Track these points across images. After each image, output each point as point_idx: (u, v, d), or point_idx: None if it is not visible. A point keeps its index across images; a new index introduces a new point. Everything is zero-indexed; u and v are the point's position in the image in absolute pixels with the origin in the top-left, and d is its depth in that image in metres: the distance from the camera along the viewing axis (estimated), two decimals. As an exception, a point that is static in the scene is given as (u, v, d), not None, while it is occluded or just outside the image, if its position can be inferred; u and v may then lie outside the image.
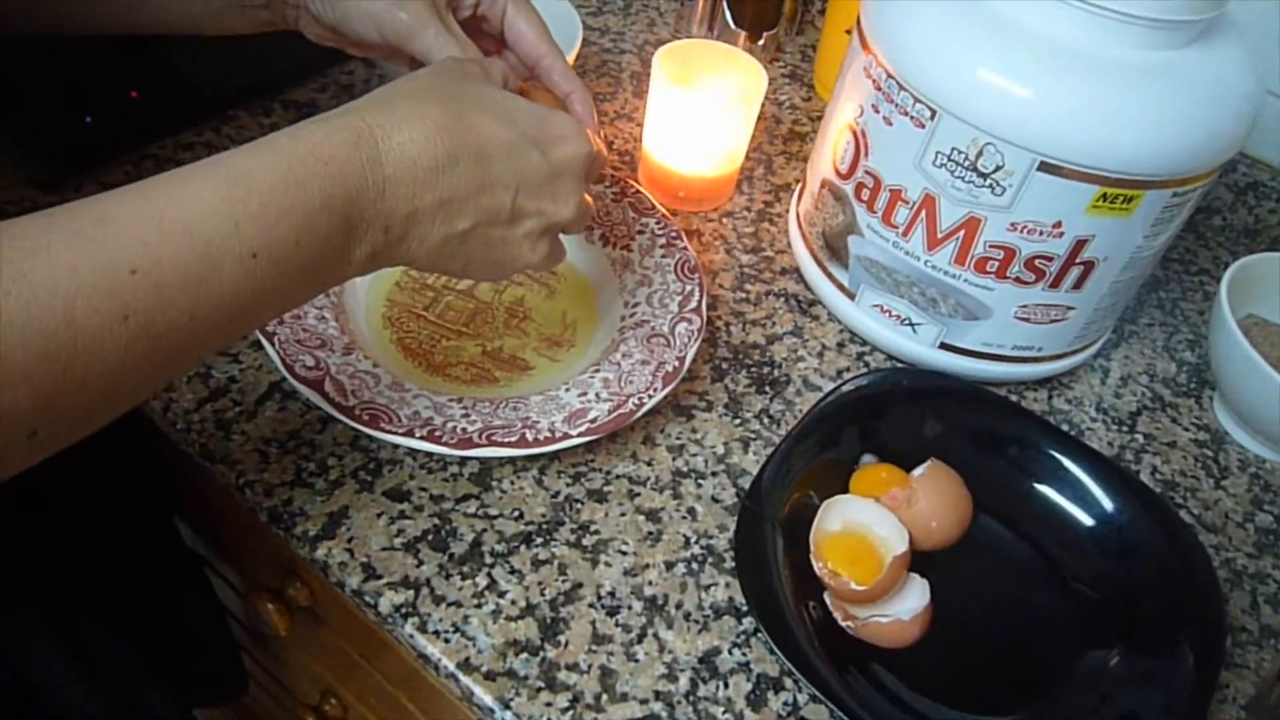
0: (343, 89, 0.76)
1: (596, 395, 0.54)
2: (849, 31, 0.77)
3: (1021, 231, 0.54)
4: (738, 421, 0.60)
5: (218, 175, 0.36)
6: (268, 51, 0.74)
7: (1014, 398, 0.64)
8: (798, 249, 0.68)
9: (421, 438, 0.50)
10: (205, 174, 0.36)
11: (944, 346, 0.62)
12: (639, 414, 0.53)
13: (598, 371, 0.56)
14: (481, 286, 0.62)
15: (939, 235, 0.56)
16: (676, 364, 0.56)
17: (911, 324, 0.61)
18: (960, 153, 0.53)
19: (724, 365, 0.62)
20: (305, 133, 0.39)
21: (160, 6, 0.51)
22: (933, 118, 0.53)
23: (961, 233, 0.56)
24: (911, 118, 0.54)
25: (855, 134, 0.59)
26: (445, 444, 0.50)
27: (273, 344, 0.52)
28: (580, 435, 0.52)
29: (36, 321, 0.30)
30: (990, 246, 0.56)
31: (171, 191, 0.35)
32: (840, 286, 0.64)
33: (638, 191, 0.66)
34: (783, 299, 0.67)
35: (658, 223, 0.64)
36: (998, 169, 0.52)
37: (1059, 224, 0.54)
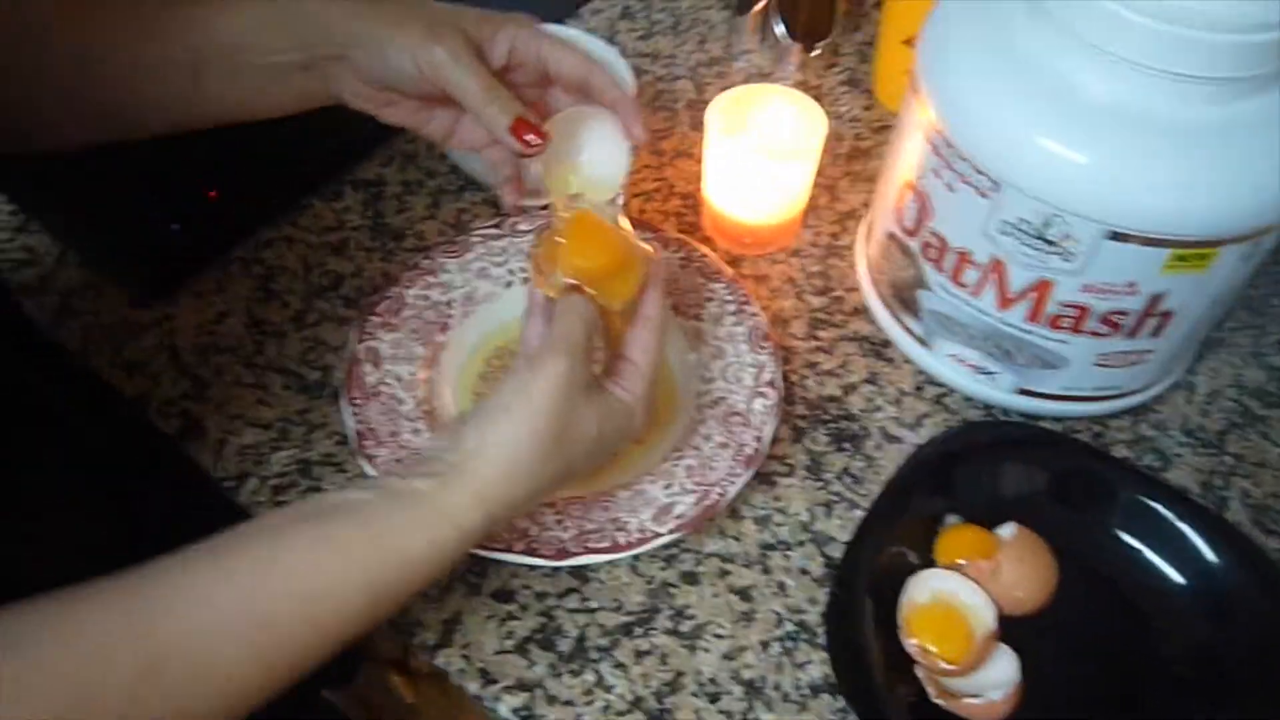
0: (407, 159, 0.77)
1: (681, 486, 0.56)
2: (908, 43, 0.76)
3: (1095, 292, 0.54)
4: (819, 484, 0.61)
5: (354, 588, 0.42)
6: (331, 130, 0.76)
7: (1097, 428, 0.64)
8: (867, 292, 0.68)
9: (521, 551, 0.53)
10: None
11: (1022, 392, 0.62)
12: (723, 504, 0.55)
13: (680, 459, 0.58)
14: (561, 369, 0.64)
15: (1010, 296, 0.56)
16: (756, 445, 0.58)
17: (988, 373, 0.62)
18: (1026, 222, 0.52)
19: (802, 424, 0.64)
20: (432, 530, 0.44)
21: (205, 98, 0.52)
22: (995, 188, 0.52)
23: (1033, 294, 0.55)
24: (973, 187, 0.54)
25: (918, 194, 0.58)
26: (544, 555, 0.53)
27: (374, 469, 0.56)
28: (669, 533, 0.54)
29: None
30: (1063, 305, 0.55)
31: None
32: (913, 335, 0.64)
33: (704, 255, 0.67)
34: (856, 343, 0.68)
35: (726, 288, 0.65)
36: (1066, 238, 0.52)
37: (1133, 284, 0.53)
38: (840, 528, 0.59)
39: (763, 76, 0.85)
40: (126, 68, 0.50)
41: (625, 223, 0.52)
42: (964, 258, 0.57)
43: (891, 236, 0.62)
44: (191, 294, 0.69)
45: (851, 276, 0.72)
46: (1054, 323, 0.56)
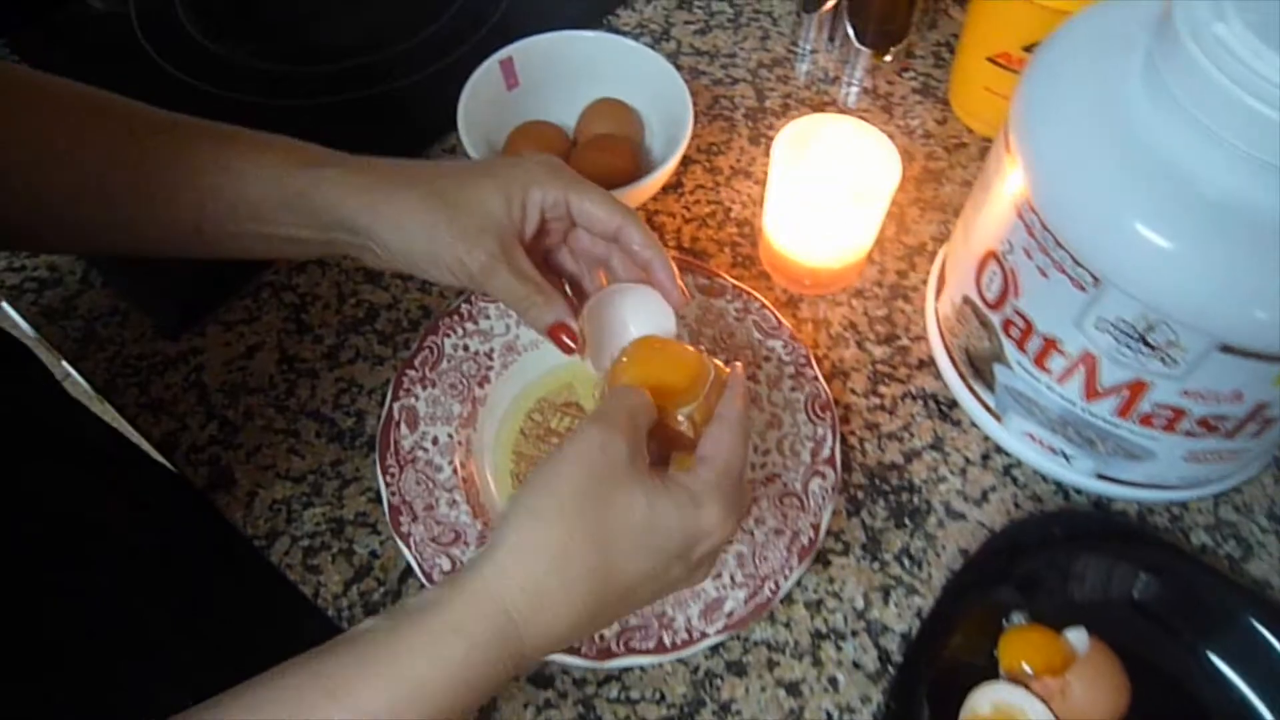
0: (446, 172, 0.73)
1: (731, 579, 0.53)
2: (995, 61, 0.69)
3: (1195, 398, 0.49)
4: (876, 565, 0.58)
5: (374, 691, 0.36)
6: (369, 142, 0.72)
7: (1176, 509, 0.60)
8: (936, 348, 0.63)
9: (561, 650, 0.50)
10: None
11: (1100, 477, 0.58)
12: (775, 601, 0.52)
13: (731, 545, 0.55)
14: (606, 427, 0.61)
15: (1099, 390, 0.52)
16: (812, 534, 0.54)
17: (1065, 455, 0.57)
18: (1127, 324, 0.47)
19: (860, 495, 0.60)
20: (447, 644, 0.37)
21: (208, 246, 0.50)
22: (1095, 284, 0.47)
23: (1126, 391, 0.51)
24: (1070, 278, 0.48)
25: (1003, 267, 0.53)
26: (585, 656, 0.50)
27: (409, 546, 0.53)
28: (717, 634, 0.51)
29: None
30: (1158, 406, 0.51)
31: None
32: (984, 404, 0.60)
33: (762, 307, 0.62)
34: (921, 402, 0.64)
35: (784, 346, 0.61)
36: (1170, 344, 0.47)
37: (1239, 393, 0.48)
38: (897, 616, 0.56)
39: (828, 82, 0.79)
40: (131, 217, 0.48)
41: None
42: (1051, 344, 0.52)
43: (968, 302, 0.58)
44: (220, 324, 0.66)
45: (919, 323, 0.67)
46: (1145, 420, 0.52)
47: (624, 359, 0.46)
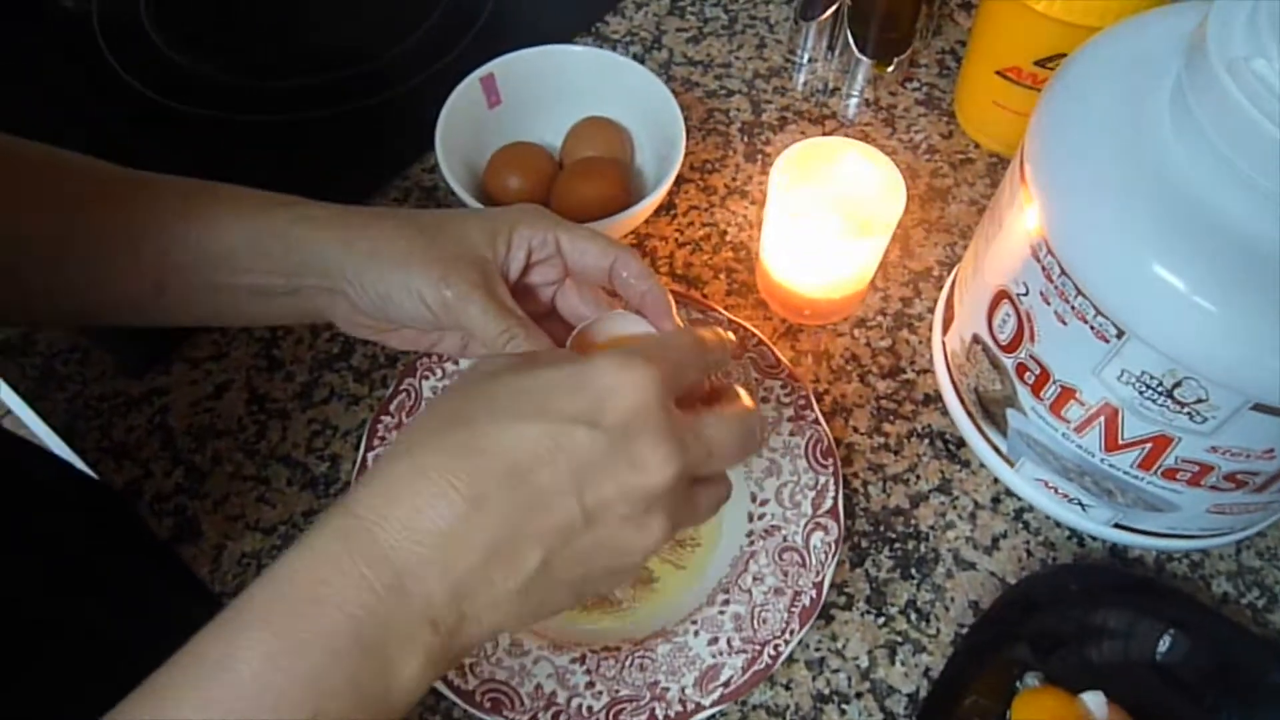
0: (426, 193, 0.69)
1: (728, 643, 0.50)
2: (1002, 74, 0.66)
3: (1224, 454, 0.46)
4: (881, 620, 0.55)
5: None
6: (335, 175, 0.68)
7: (1196, 555, 0.57)
8: (943, 383, 0.60)
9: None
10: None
11: (1118, 526, 0.54)
12: (775, 667, 0.49)
13: (728, 603, 0.51)
14: (594, 473, 0.57)
15: (1120, 442, 0.48)
16: (814, 594, 0.51)
17: (1081, 504, 0.54)
18: (1153, 378, 0.44)
19: (864, 543, 0.57)
20: (290, 565, 0.32)
21: (178, 302, 0.46)
22: (1119, 336, 0.44)
23: (1149, 444, 0.47)
24: (1091, 327, 0.45)
25: (1017, 310, 0.50)
26: (572, 730, 0.47)
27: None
28: (714, 704, 0.48)
29: None
30: (1184, 461, 0.47)
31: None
32: (995, 448, 0.56)
33: (760, 344, 0.59)
34: (927, 440, 0.60)
35: (784, 387, 0.57)
36: (1199, 402, 0.43)
37: (1271, 451, 0.45)
38: (903, 676, 0.53)
39: (828, 94, 0.75)
40: (88, 279, 0.44)
41: None
42: (1069, 393, 0.49)
43: (979, 341, 0.54)
44: (186, 361, 0.62)
45: (924, 355, 0.63)
46: (1169, 474, 0.49)
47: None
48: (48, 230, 0.43)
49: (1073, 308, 0.45)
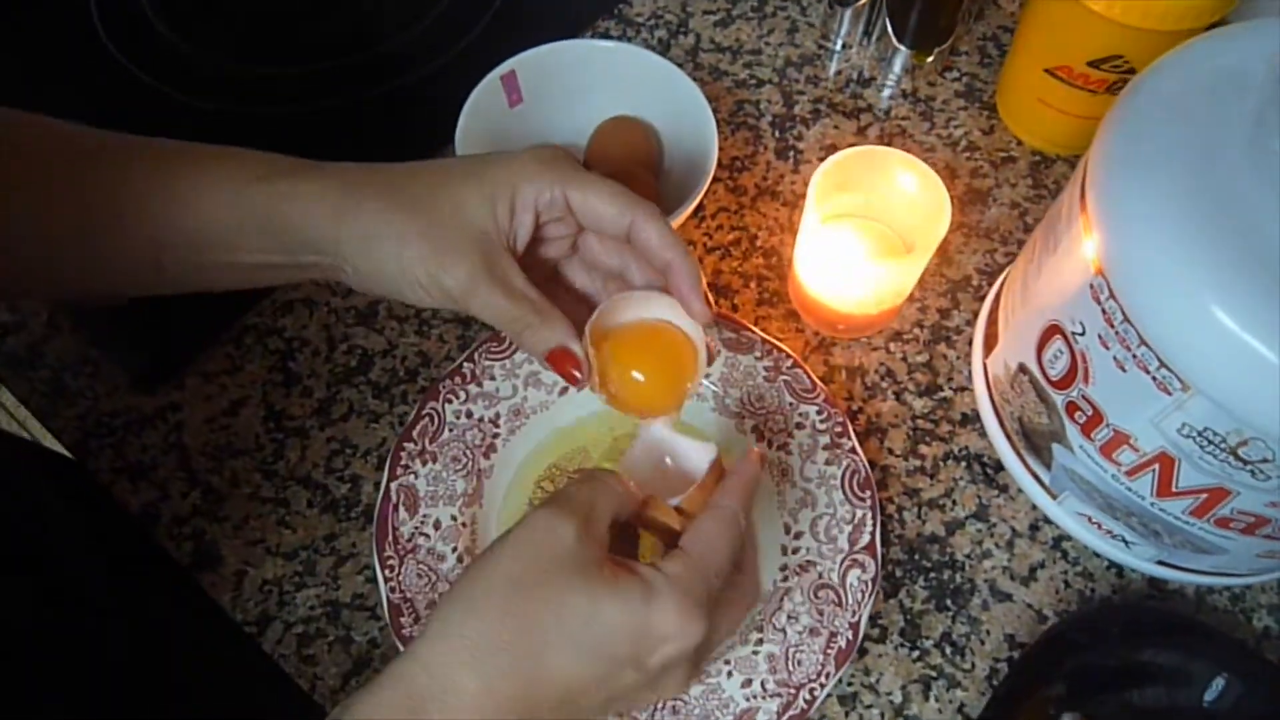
0: (443, 193, 0.66)
1: (762, 686, 0.49)
2: (1052, 72, 0.62)
3: (1285, 509, 0.44)
4: (916, 654, 0.53)
5: None
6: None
7: (1237, 588, 0.56)
8: (982, 404, 0.58)
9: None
10: None
11: (1162, 563, 0.53)
12: (811, 712, 0.48)
13: (761, 643, 0.50)
14: (623, 499, 0.56)
15: (1174, 490, 0.46)
16: (850, 635, 0.50)
17: (1125, 541, 0.53)
18: (1216, 435, 0.42)
19: (898, 572, 0.55)
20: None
21: (180, 277, 0.44)
22: (1184, 390, 0.42)
23: (1204, 495, 0.46)
24: (1153, 379, 0.43)
25: (1071, 349, 0.47)
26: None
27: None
28: (748, 752, 0.47)
29: None
30: (1240, 512, 0.45)
31: None
32: (1037, 479, 0.55)
33: (795, 365, 0.56)
34: (964, 463, 0.59)
35: (819, 412, 0.55)
36: (1265, 461, 0.42)
37: (1338, 509, 0.43)
38: (937, 713, 0.52)
39: (863, 84, 0.72)
40: (81, 257, 0.42)
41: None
42: (1123, 438, 0.47)
43: (1026, 371, 0.52)
44: (200, 375, 0.60)
45: (962, 371, 0.61)
46: (1222, 523, 0.47)
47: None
48: (25, 208, 0.41)
49: (1134, 356, 0.43)
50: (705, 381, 0.57)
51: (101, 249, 0.42)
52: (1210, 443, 0.43)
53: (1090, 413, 0.48)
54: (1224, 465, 0.43)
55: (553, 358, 0.41)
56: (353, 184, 0.42)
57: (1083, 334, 0.46)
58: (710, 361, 0.44)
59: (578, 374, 0.42)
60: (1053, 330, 0.48)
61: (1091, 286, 0.44)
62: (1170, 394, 0.42)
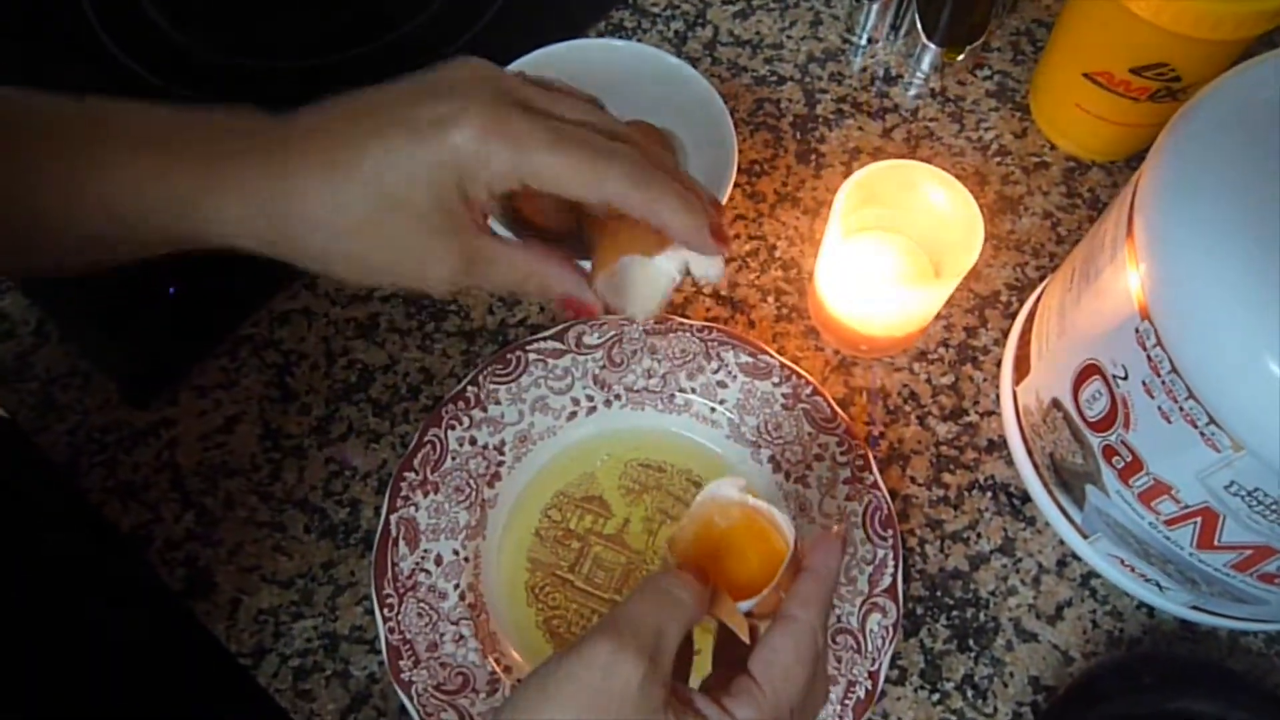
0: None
1: (777, 737, 0.47)
2: (1091, 78, 0.59)
3: (1337, 572, 0.42)
4: (936, 697, 0.51)
5: None
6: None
7: (1274, 629, 0.53)
8: (1010, 432, 0.55)
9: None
10: None
11: (1197, 609, 0.50)
12: (827, 766, 0.46)
13: None
14: (631, 531, 0.53)
15: (1217, 544, 0.44)
16: (869, 685, 0.48)
17: (1159, 585, 0.50)
18: (1267, 495, 0.39)
19: (919, 609, 0.53)
20: None
21: (115, 258, 0.39)
22: (1235, 449, 0.39)
23: (1249, 551, 0.43)
24: (1201, 434, 0.40)
25: (1111, 392, 0.44)
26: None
27: (411, 697, 0.47)
28: (761, 808, 0.45)
29: None
30: (1287, 570, 0.43)
31: None
32: (1068, 517, 0.52)
33: (815, 393, 0.54)
34: (989, 494, 0.56)
35: (840, 444, 0.53)
36: (1321, 526, 0.39)
37: (1395, 574, 0.41)
38: (958, 760, 0.50)
39: (889, 81, 0.68)
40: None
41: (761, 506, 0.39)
42: (1164, 488, 0.44)
43: (1059, 407, 0.49)
44: (194, 389, 0.58)
45: (989, 394, 0.58)
46: (1267, 579, 0.44)
47: (685, 530, 0.38)
48: None
49: (1181, 409, 0.40)
50: (720, 407, 0.54)
51: (16, 229, 0.37)
52: (1260, 503, 0.40)
53: (1129, 459, 0.45)
54: (1274, 526, 0.40)
55: (564, 305, 0.39)
56: (278, 166, 0.36)
57: (1125, 378, 0.43)
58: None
59: (594, 312, 0.39)
60: (1091, 369, 0.46)
61: (1137, 331, 0.41)
62: (1219, 451, 0.40)
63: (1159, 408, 0.42)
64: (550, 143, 0.35)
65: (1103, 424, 0.46)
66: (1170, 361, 0.40)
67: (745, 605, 0.37)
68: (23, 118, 0.38)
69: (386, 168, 0.35)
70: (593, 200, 0.35)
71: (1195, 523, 0.44)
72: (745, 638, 0.36)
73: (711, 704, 0.33)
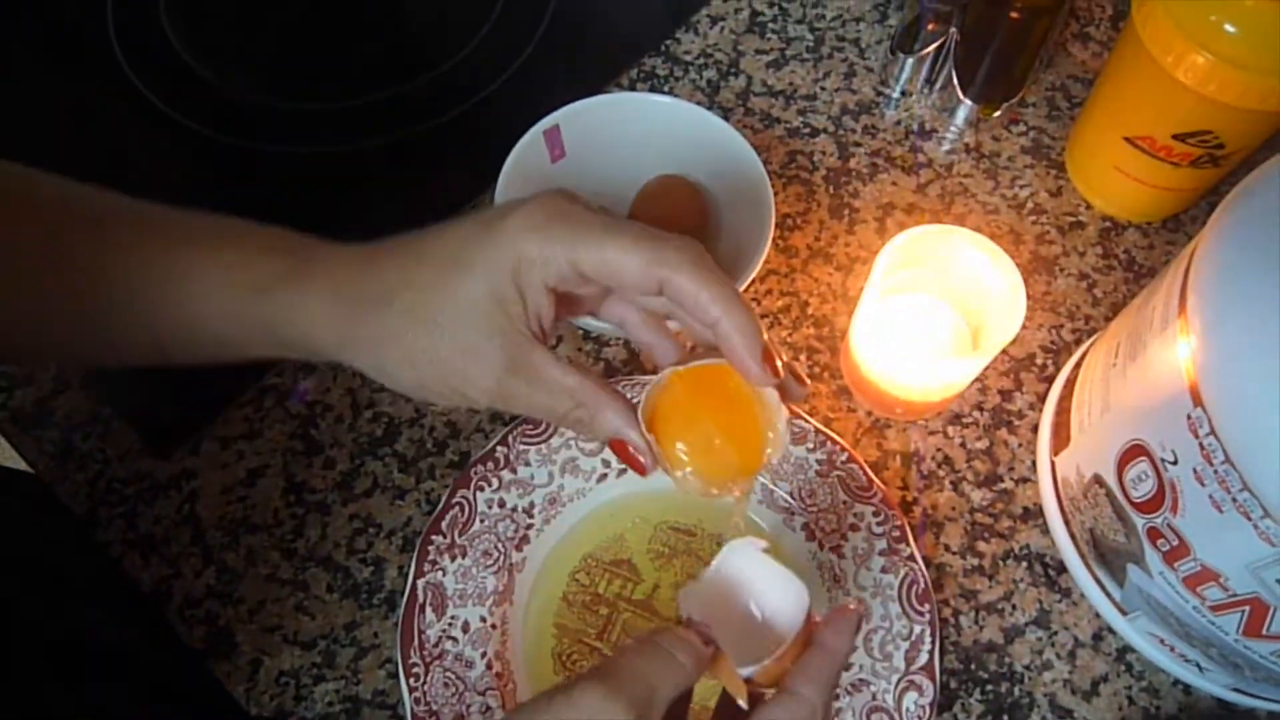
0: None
1: (810, 820, 0.46)
2: (1132, 142, 0.58)
3: (1392, 669, 0.40)
4: (970, 775, 0.50)
5: None
6: (374, 223, 0.62)
7: (1316, 710, 0.52)
8: (1047, 500, 0.54)
9: None
10: None
11: (1237, 690, 0.49)
12: None
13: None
14: (661, 596, 0.52)
15: (1266, 633, 0.43)
16: (906, 767, 0.46)
17: (1199, 667, 0.49)
18: (1325, 593, 0.38)
19: (953, 683, 0.52)
20: None
21: (185, 359, 0.42)
22: (1291, 545, 0.38)
23: (1300, 643, 0.42)
24: (1255, 526, 0.39)
25: (1159, 474, 0.44)
26: None
27: (437, 771, 0.46)
28: None
29: None
30: (1339, 665, 0.42)
31: None
32: (1106, 593, 0.51)
33: (850, 460, 0.53)
34: (1025, 564, 0.55)
35: (876, 513, 0.52)
36: (1380, 627, 0.38)
37: None
38: (992, 842, 0.49)
39: (923, 135, 0.67)
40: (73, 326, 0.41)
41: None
42: (1211, 575, 0.43)
43: (1101, 483, 0.48)
44: (217, 440, 0.57)
45: (1025, 460, 0.58)
46: (1318, 671, 0.43)
47: (697, 586, 0.37)
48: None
49: (1234, 500, 0.40)
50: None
51: (95, 324, 0.40)
52: (1316, 599, 0.39)
53: (1176, 543, 0.44)
54: (1329, 622, 0.39)
55: (614, 447, 0.38)
56: (353, 289, 0.37)
57: (1174, 463, 0.42)
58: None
59: (642, 463, 0.37)
60: (1138, 450, 0.45)
61: (1189, 418, 0.41)
62: (1274, 545, 0.39)
63: (1210, 496, 0.41)
64: (608, 225, 0.35)
65: (1149, 506, 0.45)
66: (1224, 452, 0.39)
67: (746, 671, 0.35)
68: (114, 216, 0.40)
69: (454, 246, 0.36)
70: (649, 284, 0.35)
71: (1243, 611, 0.43)
72: (744, 703, 0.35)
73: None
